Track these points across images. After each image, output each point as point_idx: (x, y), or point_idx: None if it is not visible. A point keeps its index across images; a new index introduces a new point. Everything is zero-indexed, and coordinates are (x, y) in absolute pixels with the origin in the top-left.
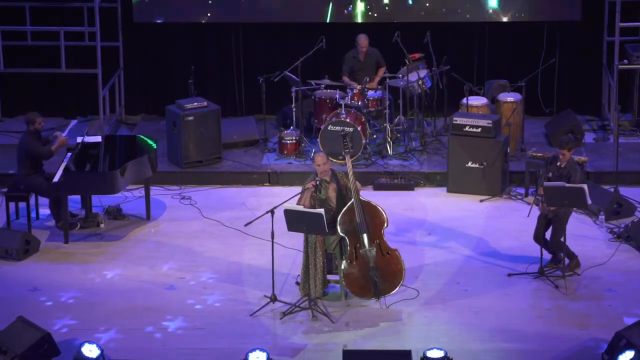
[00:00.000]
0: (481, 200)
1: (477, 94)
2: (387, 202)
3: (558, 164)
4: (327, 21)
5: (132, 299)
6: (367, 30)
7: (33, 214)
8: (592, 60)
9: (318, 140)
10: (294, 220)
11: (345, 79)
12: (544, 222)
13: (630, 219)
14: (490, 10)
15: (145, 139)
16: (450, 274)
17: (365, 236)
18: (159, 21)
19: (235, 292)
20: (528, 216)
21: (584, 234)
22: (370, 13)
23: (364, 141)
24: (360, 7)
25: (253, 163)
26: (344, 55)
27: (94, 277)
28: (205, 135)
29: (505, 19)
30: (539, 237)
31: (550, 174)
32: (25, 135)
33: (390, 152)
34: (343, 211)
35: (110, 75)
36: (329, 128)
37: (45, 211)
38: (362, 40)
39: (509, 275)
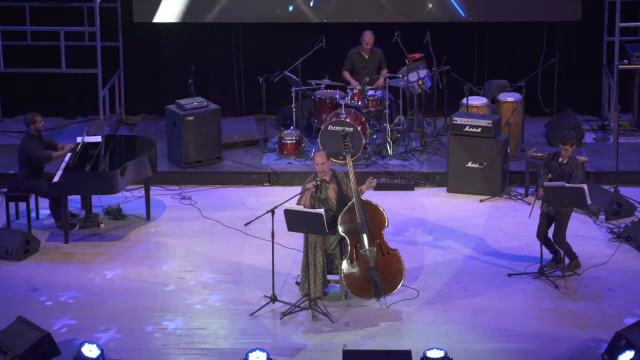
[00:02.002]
0: (481, 200)
1: (477, 94)
2: (387, 202)
3: (560, 160)
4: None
5: (132, 299)
6: (367, 30)
7: (33, 214)
8: (592, 60)
9: (318, 140)
10: (294, 220)
11: (345, 73)
12: (546, 220)
13: (630, 219)
14: (491, 10)
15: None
16: (450, 274)
17: (365, 236)
18: (159, 21)
19: (235, 292)
20: (529, 217)
21: (584, 234)
22: (370, 13)
23: (364, 141)
24: (360, 6)
25: (253, 163)
26: (347, 52)
27: (93, 277)
28: (205, 135)
29: (505, 19)
30: (541, 235)
31: (550, 175)
32: (26, 137)
33: (390, 152)
34: (344, 211)
35: (110, 75)
36: (329, 128)
37: (45, 211)
38: (368, 37)
39: (509, 275)
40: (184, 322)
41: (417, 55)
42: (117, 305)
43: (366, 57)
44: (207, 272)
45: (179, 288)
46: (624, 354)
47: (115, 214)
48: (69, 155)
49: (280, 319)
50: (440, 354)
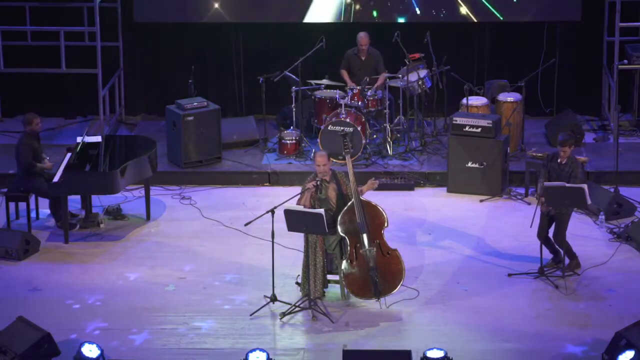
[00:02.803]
0: (481, 200)
1: (477, 94)
2: (387, 202)
3: (559, 160)
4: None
5: (131, 299)
6: (367, 30)
7: (33, 214)
8: (592, 60)
9: (318, 140)
10: (294, 220)
11: (343, 72)
12: (546, 220)
13: (630, 219)
14: (491, 11)
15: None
16: (450, 274)
17: (365, 236)
18: (159, 21)
19: (235, 292)
20: (531, 227)
21: (584, 234)
22: (370, 13)
23: (364, 141)
24: (359, 6)
25: (253, 163)
26: (345, 52)
27: (90, 278)
28: (205, 135)
29: (505, 19)
30: (542, 235)
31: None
32: (22, 138)
33: (390, 152)
34: (343, 211)
35: (110, 75)
36: (329, 128)
37: (45, 211)
38: (363, 37)
39: (509, 275)
40: (184, 322)
41: (417, 55)
42: (117, 305)
43: (362, 58)
44: (207, 272)
45: (179, 288)
46: (624, 354)
47: (115, 214)
48: (69, 155)
49: (280, 319)
50: (440, 354)
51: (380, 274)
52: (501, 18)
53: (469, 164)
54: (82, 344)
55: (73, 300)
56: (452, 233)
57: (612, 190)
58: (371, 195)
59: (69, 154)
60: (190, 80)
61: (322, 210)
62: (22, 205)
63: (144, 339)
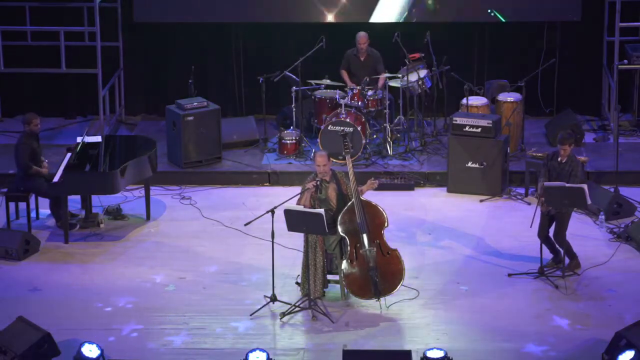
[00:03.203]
0: (481, 200)
1: (477, 94)
2: (387, 202)
3: (559, 159)
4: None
5: (131, 299)
6: (367, 30)
7: (33, 214)
8: (592, 60)
9: (318, 140)
10: (294, 220)
11: (343, 72)
12: (547, 220)
13: (630, 219)
14: (490, 10)
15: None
16: (450, 274)
17: (365, 236)
18: (159, 21)
19: (235, 292)
20: (531, 227)
21: (584, 234)
22: (370, 13)
23: (364, 141)
24: (360, 6)
25: (253, 163)
26: (344, 52)
27: (90, 278)
28: (205, 135)
29: (505, 19)
30: (542, 234)
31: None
32: (21, 137)
33: (390, 152)
34: (343, 211)
35: (110, 75)
36: (329, 128)
37: (45, 211)
38: (361, 37)
39: (509, 275)
40: (184, 322)
41: (417, 55)
42: (116, 305)
43: (361, 59)
44: (207, 272)
45: (179, 288)
46: (624, 354)
47: (115, 214)
48: (69, 155)
49: (280, 319)
50: (440, 354)
51: (380, 274)
52: (503, 20)
53: (469, 164)
54: (82, 344)
55: (82, 302)
56: (452, 233)
57: (612, 190)
58: (371, 195)
59: (69, 154)
60: (190, 80)
61: (322, 210)
62: (22, 205)
63: (145, 338)
